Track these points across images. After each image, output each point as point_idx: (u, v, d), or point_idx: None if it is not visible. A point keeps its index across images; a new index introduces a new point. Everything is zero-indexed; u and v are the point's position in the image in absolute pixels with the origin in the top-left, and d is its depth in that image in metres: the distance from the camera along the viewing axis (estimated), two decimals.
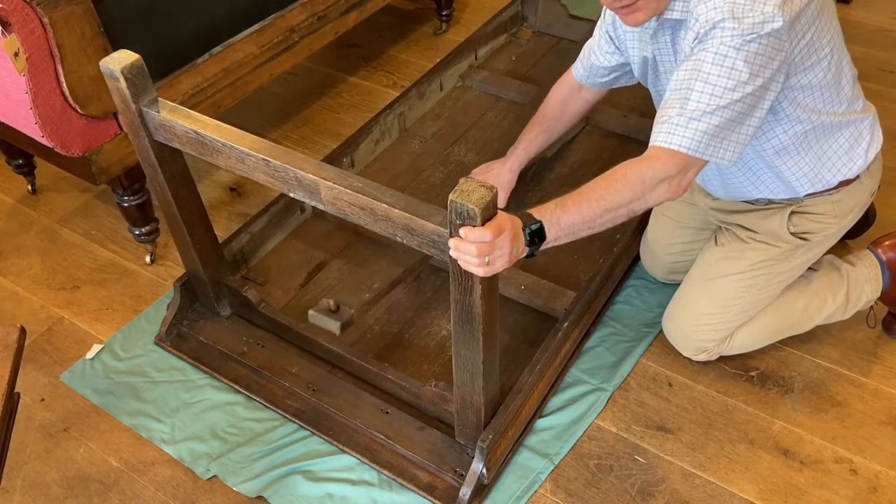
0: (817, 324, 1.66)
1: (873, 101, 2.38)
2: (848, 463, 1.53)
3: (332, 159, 2.07)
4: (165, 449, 1.60)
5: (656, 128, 1.25)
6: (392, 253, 1.96)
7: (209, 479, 1.55)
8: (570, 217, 1.21)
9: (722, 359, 1.70)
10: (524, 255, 1.18)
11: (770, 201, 1.51)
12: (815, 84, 1.31)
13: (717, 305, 1.57)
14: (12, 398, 1.24)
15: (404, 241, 1.19)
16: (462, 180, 1.07)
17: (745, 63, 1.17)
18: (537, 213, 1.19)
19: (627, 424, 1.61)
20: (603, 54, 1.60)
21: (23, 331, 1.28)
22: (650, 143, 1.25)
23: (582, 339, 1.74)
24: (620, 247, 1.80)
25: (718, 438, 1.58)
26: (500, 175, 1.84)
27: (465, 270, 1.13)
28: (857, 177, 1.47)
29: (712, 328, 1.59)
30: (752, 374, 1.69)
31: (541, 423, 1.61)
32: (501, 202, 1.80)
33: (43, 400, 1.72)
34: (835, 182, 1.45)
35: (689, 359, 1.70)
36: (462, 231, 1.08)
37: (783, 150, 1.40)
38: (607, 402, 1.65)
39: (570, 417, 1.62)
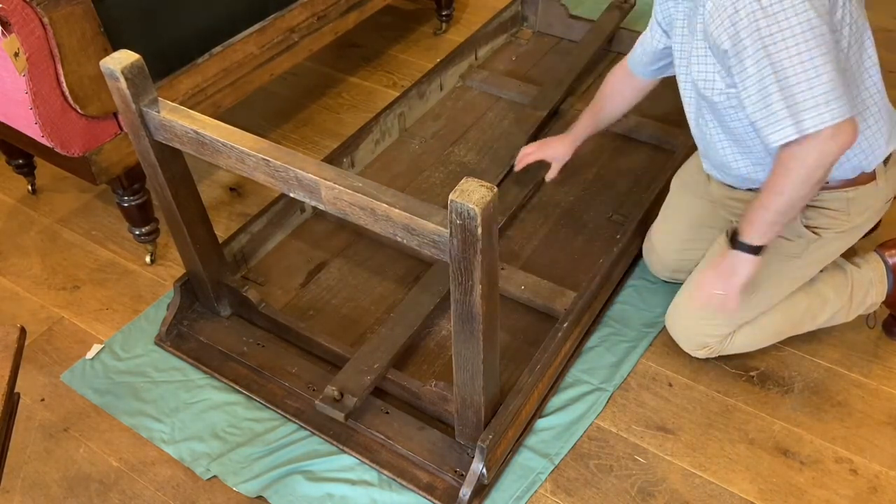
0: (820, 325, 1.66)
1: None
2: (848, 463, 1.53)
3: (332, 159, 2.07)
4: (165, 449, 1.60)
5: (779, 124, 1.23)
6: (392, 253, 1.96)
7: (209, 479, 1.55)
8: (758, 217, 1.34)
9: (722, 359, 1.70)
10: (738, 259, 1.38)
11: None
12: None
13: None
14: (12, 398, 1.24)
15: (404, 241, 1.19)
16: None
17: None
18: (744, 235, 1.36)
19: (627, 424, 1.61)
20: (652, 38, 1.61)
21: (23, 331, 1.28)
22: (780, 141, 1.25)
23: (582, 339, 1.74)
24: (620, 247, 1.80)
25: (718, 438, 1.58)
26: (558, 149, 1.87)
27: (465, 270, 1.13)
28: (874, 178, 1.46)
29: (716, 324, 1.59)
30: (752, 374, 1.69)
31: (541, 423, 1.61)
32: (553, 173, 1.90)
33: (43, 400, 1.72)
34: (850, 169, 1.43)
35: (689, 359, 1.70)
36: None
37: None
38: (607, 402, 1.65)
39: (570, 417, 1.62)
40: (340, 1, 2.21)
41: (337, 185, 1.20)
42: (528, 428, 1.59)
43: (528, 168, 1.95)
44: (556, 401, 1.65)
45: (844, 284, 1.63)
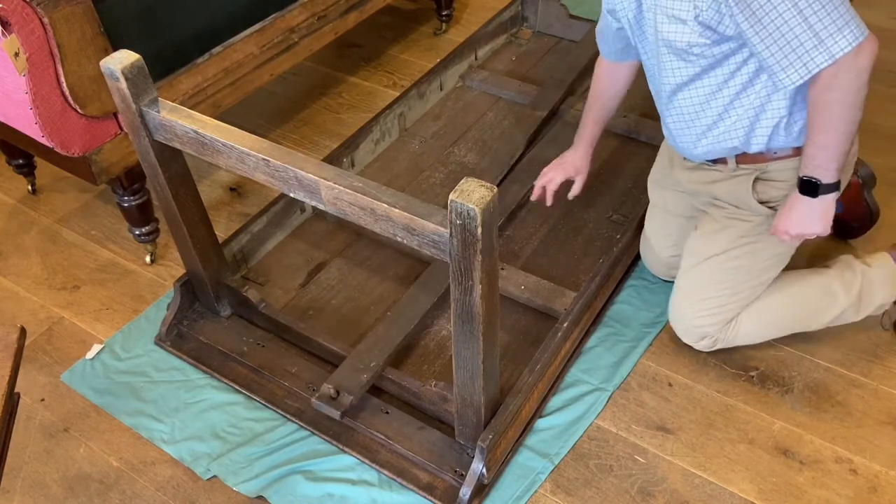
0: (827, 323, 1.65)
1: (873, 100, 2.39)
2: (848, 463, 1.53)
3: (332, 159, 2.08)
4: (165, 449, 1.60)
5: (810, 54, 1.25)
6: (392, 253, 1.96)
7: (209, 479, 1.55)
8: (827, 156, 1.36)
9: (722, 359, 1.70)
10: (825, 202, 1.40)
11: (738, 162, 1.52)
12: None
13: (708, 290, 1.58)
14: (12, 398, 1.24)
15: (404, 241, 1.19)
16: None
17: None
18: (804, 170, 1.39)
19: (627, 424, 1.61)
20: (606, 24, 1.62)
21: (23, 331, 1.28)
22: (817, 68, 1.26)
23: (582, 339, 1.74)
24: (620, 247, 1.80)
25: (718, 438, 1.58)
26: (576, 164, 1.83)
27: (465, 270, 1.13)
28: None
29: (710, 313, 1.59)
30: (752, 374, 1.69)
31: (541, 423, 1.61)
32: (577, 189, 1.84)
33: (43, 400, 1.72)
34: (795, 136, 1.44)
35: (689, 359, 1.70)
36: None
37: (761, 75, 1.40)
38: (607, 402, 1.65)
39: (570, 417, 1.62)
40: (340, 1, 2.21)
41: (337, 185, 1.20)
42: (528, 428, 1.59)
43: (527, 168, 1.95)
44: (556, 401, 1.65)
45: (854, 281, 1.62)
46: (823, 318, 1.64)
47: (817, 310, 1.63)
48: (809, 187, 1.39)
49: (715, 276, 1.57)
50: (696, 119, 1.49)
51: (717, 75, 1.41)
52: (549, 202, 1.84)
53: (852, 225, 1.87)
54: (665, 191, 1.74)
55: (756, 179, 1.52)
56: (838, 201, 1.79)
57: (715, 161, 1.56)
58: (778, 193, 1.51)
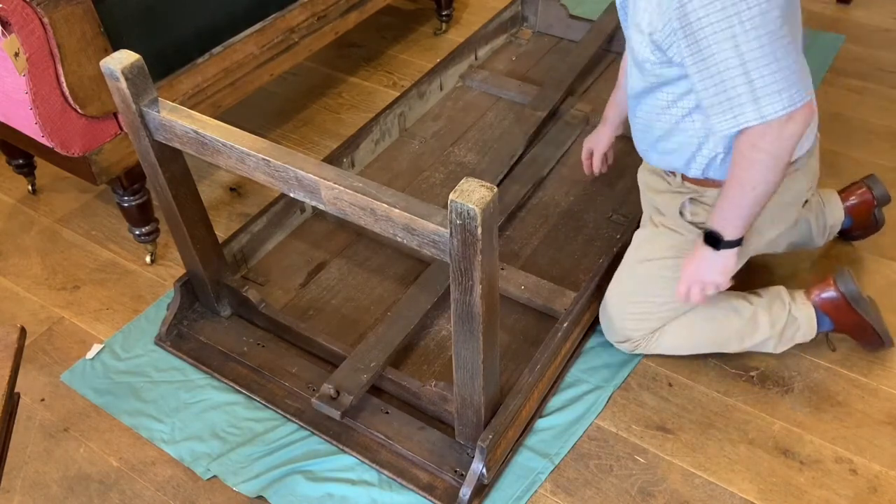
0: (746, 348, 1.65)
1: (873, 100, 2.41)
2: (848, 463, 1.53)
3: (332, 159, 2.08)
4: (165, 449, 1.60)
5: (735, 111, 1.23)
6: (392, 253, 1.96)
7: (209, 479, 1.55)
8: (735, 214, 1.36)
9: (722, 359, 1.70)
10: (725, 257, 1.40)
11: (682, 179, 1.53)
12: None
13: (638, 291, 1.59)
14: (12, 398, 1.24)
15: (404, 241, 1.19)
16: (463, 180, 1.09)
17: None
18: (711, 221, 1.39)
19: (627, 424, 1.61)
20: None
21: (23, 331, 1.28)
22: (741, 126, 1.24)
23: (582, 339, 1.74)
24: (620, 247, 1.80)
25: (718, 438, 1.58)
26: (601, 139, 1.84)
27: (465, 270, 1.13)
28: None
29: (637, 317, 1.61)
30: (752, 374, 1.69)
31: (541, 423, 1.61)
32: (597, 163, 1.88)
33: (43, 400, 1.72)
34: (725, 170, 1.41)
35: (689, 359, 1.70)
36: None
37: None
38: (607, 401, 1.65)
39: (570, 417, 1.62)
40: (340, 1, 2.21)
41: (337, 185, 1.21)
42: (528, 428, 1.59)
43: (527, 168, 1.95)
44: (556, 401, 1.65)
45: (780, 317, 1.62)
46: (743, 344, 1.64)
47: (739, 336, 1.63)
48: (712, 239, 1.39)
49: (647, 280, 1.58)
50: (649, 129, 1.50)
51: (664, 96, 1.40)
52: (595, 171, 1.90)
53: (854, 233, 1.87)
54: (645, 193, 1.75)
55: (692, 199, 1.52)
56: (847, 215, 1.80)
57: (667, 171, 1.57)
58: (707, 216, 1.48)
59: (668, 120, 1.43)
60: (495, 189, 1.07)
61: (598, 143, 1.85)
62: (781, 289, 1.66)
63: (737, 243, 1.39)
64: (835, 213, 1.79)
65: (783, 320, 1.62)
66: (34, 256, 2.06)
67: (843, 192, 1.83)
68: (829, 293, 1.62)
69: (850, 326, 1.65)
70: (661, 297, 1.58)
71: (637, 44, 1.35)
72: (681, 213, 1.54)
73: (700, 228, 1.49)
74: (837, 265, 1.79)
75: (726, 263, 1.42)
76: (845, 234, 1.89)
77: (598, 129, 1.86)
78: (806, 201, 1.56)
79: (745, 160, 1.27)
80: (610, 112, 1.81)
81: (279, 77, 2.18)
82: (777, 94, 1.19)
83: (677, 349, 1.67)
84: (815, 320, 1.63)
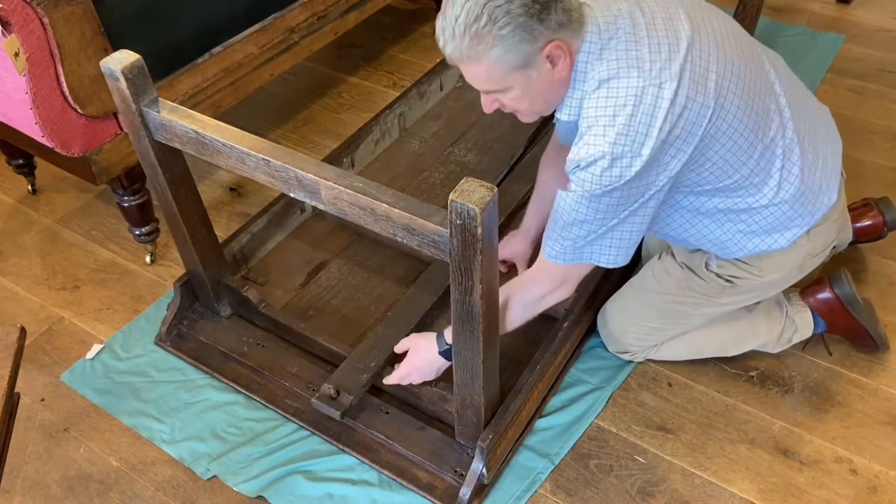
0: (745, 351, 1.66)
1: (873, 100, 2.41)
2: (848, 463, 1.53)
3: (332, 159, 2.07)
4: (165, 449, 1.60)
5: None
6: (392, 253, 1.96)
7: (209, 479, 1.55)
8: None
9: (722, 358, 1.70)
10: (443, 365, 1.47)
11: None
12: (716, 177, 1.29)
13: (646, 319, 1.60)
14: (12, 398, 1.24)
15: (404, 241, 1.19)
16: (463, 180, 1.09)
17: (599, 210, 1.22)
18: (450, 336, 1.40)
19: (627, 424, 1.61)
20: None
21: (23, 331, 1.28)
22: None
23: (582, 339, 1.74)
24: None
25: (718, 438, 1.58)
26: (517, 247, 1.75)
27: (465, 270, 1.13)
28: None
29: (638, 336, 1.62)
30: (752, 374, 1.69)
31: (541, 423, 1.61)
32: (522, 270, 1.75)
33: (43, 400, 1.72)
34: (756, 251, 1.41)
35: (688, 359, 1.70)
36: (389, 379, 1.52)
37: (705, 217, 1.38)
38: (607, 402, 1.65)
39: (570, 417, 1.62)
40: (340, 1, 2.21)
41: (337, 185, 1.20)
42: (528, 428, 1.59)
43: (527, 168, 1.94)
44: (556, 401, 1.65)
45: (778, 321, 1.63)
46: (744, 348, 1.65)
47: (739, 342, 1.65)
48: (449, 354, 1.42)
49: (656, 310, 1.58)
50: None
51: None
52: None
53: (856, 242, 1.87)
54: None
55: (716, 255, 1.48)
56: (855, 235, 1.80)
57: None
58: (739, 272, 1.46)
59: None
60: (495, 189, 1.07)
61: (518, 256, 1.76)
62: (778, 293, 1.65)
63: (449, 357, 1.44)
64: (844, 236, 1.77)
65: (781, 324, 1.63)
66: (34, 256, 2.06)
67: (854, 212, 1.80)
68: (824, 294, 1.63)
69: (844, 328, 1.65)
70: (666, 323, 1.59)
71: None
72: (706, 266, 1.49)
73: (727, 281, 1.47)
74: (836, 265, 1.78)
75: (442, 367, 1.48)
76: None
77: (516, 239, 1.75)
78: (834, 245, 1.54)
79: (504, 306, 1.38)
80: (531, 222, 1.73)
81: (279, 77, 2.18)
82: (576, 252, 1.30)
83: (677, 357, 1.68)
84: (811, 322, 1.64)
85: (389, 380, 1.53)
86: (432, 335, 1.47)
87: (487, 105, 1.26)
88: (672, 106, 1.15)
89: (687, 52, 1.18)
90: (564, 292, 1.37)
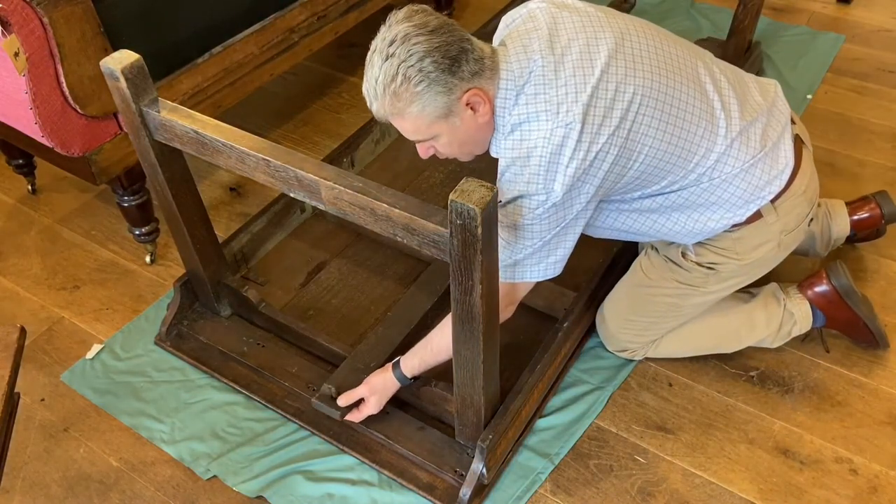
0: (744, 346, 1.66)
1: (873, 100, 2.41)
2: (848, 463, 1.53)
3: (332, 159, 2.07)
4: (165, 449, 1.60)
5: None
6: (392, 253, 1.96)
7: (209, 479, 1.55)
8: (427, 364, 1.47)
9: (722, 358, 1.70)
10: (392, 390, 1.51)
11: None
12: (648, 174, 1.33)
13: (639, 314, 1.61)
14: (12, 398, 1.24)
15: (404, 241, 1.19)
16: (463, 180, 1.09)
17: (531, 233, 1.28)
18: (405, 367, 1.47)
19: (627, 424, 1.61)
20: None
21: (23, 331, 1.28)
22: None
23: (582, 339, 1.74)
24: (620, 247, 1.80)
25: (718, 438, 1.58)
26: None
27: (465, 270, 1.13)
28: (760, 216, 1.42)
29: (635, 333, 1.64)
30: (752, 374, 1.69)
31: (541, 423, 1.61)
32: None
33: (43, 400, 1.72)
34: (720, 228, 1.42)
35: (688, 359, 1.70)
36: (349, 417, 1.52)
37: (649, 214, 1.43)
38: (607, 402, 1.65)
39: (570, 417, 1.62)
40: (340, 1, 2.21)
41: (337, 185, 1.21)
42: (528, 428, 1.59)
43: None
44: (556, 401, 1.65)
45: (776, 314, 1.63)
46: (742, 343, 1.66)
47: (737, 337, 1.65)
48: (404, 380, 1.49)
49: (647, 304, 1.59)
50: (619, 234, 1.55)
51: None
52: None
53: (855, 239, 1.87)
54: None
55: (696, 244, 1.49)
56: (852, 229, 1.80)
57: None
58: (718, 258, 1.48)
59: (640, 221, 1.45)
60: (495, 189, 1.07)
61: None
62: (774, 286, 1.67)
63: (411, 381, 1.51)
64: (840, 228, 1.78)
65: (779, 317, 1.63)
66: (34, 256, 2.06)
67: (852, 205, 1.81)
68: (822, 287, 1.63)
69: (843, 322, 1.66)
70: (656, 317, 1.60)
71: None
72: (683, 255, 1.51)
73: (708, 268, 1.49)
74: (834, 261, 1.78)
75: (393, 392, 1.52)
76: (850, 238, 1.88)
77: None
78: (811, 220, 1.55)
79: (446, 327, 1.38)
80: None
81: (279, 77, 2.18)
82: (526, 269, 1.34)
83: (676, 353, 1.68)
84: (810, 314, 1.64)
85: (355, 417, 1.53)
86: (387, 367, 1.52)
87: (422, 152, 1.35)
88: (578, 144, 1.22)
89: (597, 83, 1.23)
90: (505, 311, 1.41)
